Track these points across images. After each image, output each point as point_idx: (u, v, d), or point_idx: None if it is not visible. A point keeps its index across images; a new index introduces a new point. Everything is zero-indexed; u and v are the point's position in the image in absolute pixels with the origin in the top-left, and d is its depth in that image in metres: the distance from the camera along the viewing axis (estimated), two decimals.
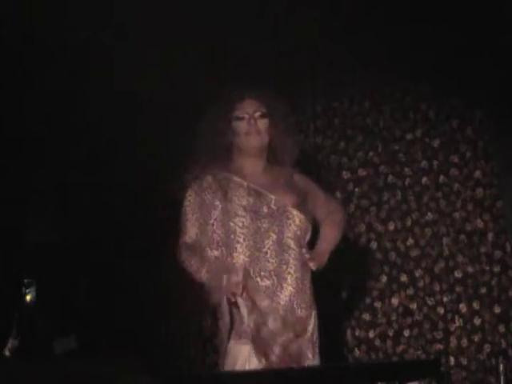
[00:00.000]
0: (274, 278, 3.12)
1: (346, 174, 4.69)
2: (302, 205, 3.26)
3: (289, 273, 3.14)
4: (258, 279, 3.11)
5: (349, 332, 4.55)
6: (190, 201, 3.21)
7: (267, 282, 3.11)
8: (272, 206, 3.18)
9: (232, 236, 3.13)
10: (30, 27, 4.04)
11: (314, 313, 3.22)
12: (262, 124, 3.23)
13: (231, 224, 3.14)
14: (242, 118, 3.22)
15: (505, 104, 4.32)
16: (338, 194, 4.65)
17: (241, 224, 3.14)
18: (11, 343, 4.25)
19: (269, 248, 3.13)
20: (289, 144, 3.31)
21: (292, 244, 3.17)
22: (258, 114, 3.23)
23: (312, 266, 3.17)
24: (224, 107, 3.23)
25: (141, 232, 4.61)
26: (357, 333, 4.54)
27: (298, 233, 3.20)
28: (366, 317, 4.53)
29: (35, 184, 4.53)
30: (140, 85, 4.20)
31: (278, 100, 3.31)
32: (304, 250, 3.19)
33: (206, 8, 4.07)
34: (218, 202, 3.17)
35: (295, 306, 3.13)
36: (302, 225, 3.21)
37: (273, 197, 3.18)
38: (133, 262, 4.62)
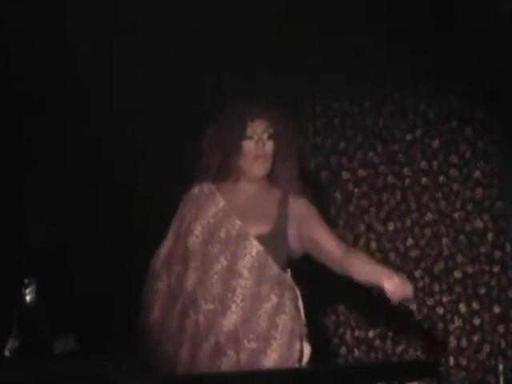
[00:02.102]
0: (218, 304, 2.97)
1: (345, 175, 4.69)
2: (275, 235, 3.07)
3: (233, 301, 2.97)
4: (202, 302, 2.97)
5: (348, 332, 4.55)
6: (178, 212, 3.16)
7: (210, 307, 2.97)
8: (232, 232, 3.04)
9: (187, 253, 3.05)
10: (29, 30, 4.05)
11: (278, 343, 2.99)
12: (269, 146, 3.13)
13: (185, 241, 3.06)
14: (250, 138, 3.12)
15: (505, 104, 4.32)
16: (338, 195, 4.66)
17: (192, 242, 3.04)
18: (11, 343, 4.25)
19: (216, 272, 2.99)
20: (286, 174, 3.18)
21: (246, 274, 2.99)
22: (266, 135, 3.14)
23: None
24: (235, 126, 3.12)
25: (141, 232, 4.61)
26: (356, 333, 4.54)
27: (256, 264, 3.01)
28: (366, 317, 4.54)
29: (35, 184, 4.53)
30: (142, 91, 4.20)
31: (286, 123, 3.21)
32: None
33: (206, 8, 4.07)
34: (187, 217, 3.10)
35: (240, 335, 2.96)
36: (260, 258, 3.01)
37: (238, 222, 3.04)
38: (133, 262, 4.61)
